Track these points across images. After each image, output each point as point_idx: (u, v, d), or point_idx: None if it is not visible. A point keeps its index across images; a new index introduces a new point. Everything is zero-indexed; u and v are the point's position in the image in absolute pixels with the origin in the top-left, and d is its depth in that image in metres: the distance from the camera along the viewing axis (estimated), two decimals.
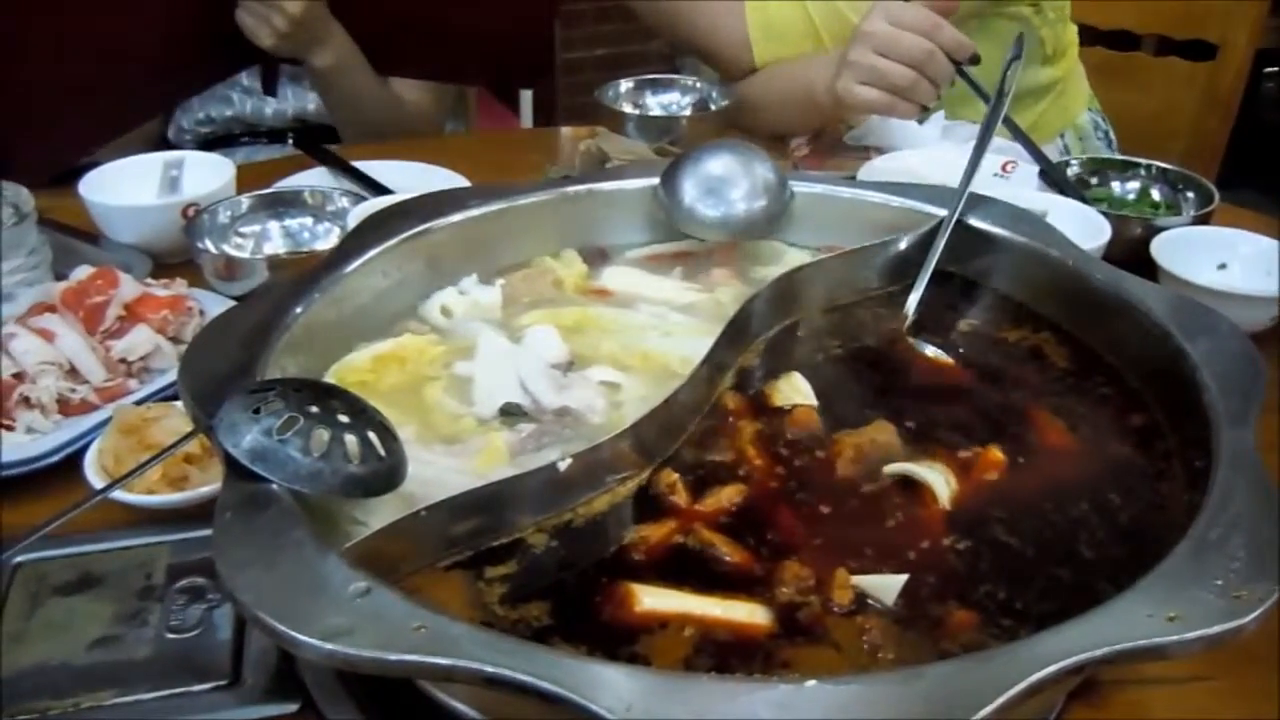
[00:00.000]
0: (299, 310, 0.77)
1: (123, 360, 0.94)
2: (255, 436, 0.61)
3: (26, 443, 0.88)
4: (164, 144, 1.76)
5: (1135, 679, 0.74)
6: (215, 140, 1.76)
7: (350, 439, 0.64)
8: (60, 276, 1.05)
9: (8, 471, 0.86)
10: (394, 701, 0.69)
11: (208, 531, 0.82)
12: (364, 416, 0.67)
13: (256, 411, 0.62)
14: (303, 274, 0.83)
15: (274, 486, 0.61)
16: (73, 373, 0.92)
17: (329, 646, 0.50)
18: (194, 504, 0.83)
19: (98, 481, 0.83)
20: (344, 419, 0.65)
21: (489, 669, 0.49)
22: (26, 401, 0.90)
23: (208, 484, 0.83)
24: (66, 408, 0.91)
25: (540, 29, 1.72)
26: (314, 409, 0.64)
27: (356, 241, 0.86)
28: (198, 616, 0.76)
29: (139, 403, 0.92)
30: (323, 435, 0.63)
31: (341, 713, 0.70)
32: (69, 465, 0.87)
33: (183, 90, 1.67)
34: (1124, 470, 0.72)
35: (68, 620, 0.76)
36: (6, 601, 0.77)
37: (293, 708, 0.70)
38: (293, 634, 0.51)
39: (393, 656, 0.50)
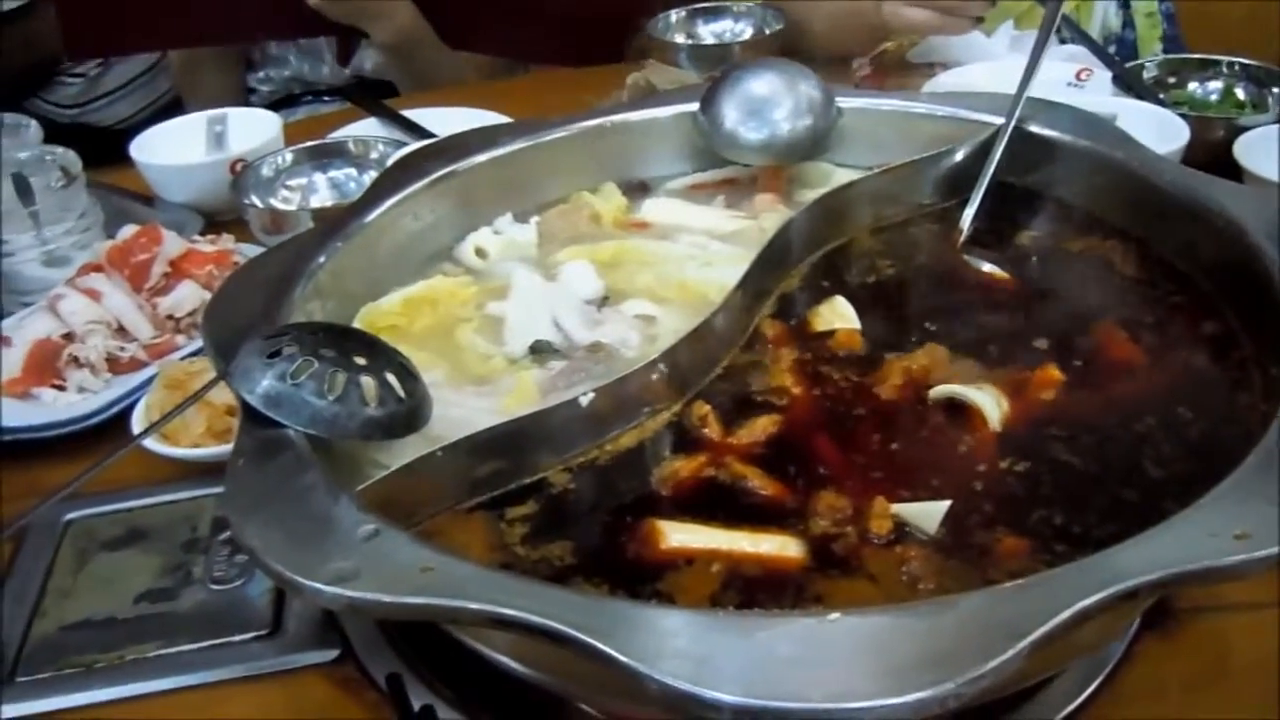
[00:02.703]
0: (323, 257, 0.76)
1: (170, 316, 0.95)
2: (269, 382, 0.60)
3: (78, 401, 0.89)
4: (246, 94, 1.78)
5: (1212, 605, 0.70)
6: (277, 101, 1.77)
7: (367, 381, 0.62)
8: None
9: (60, 430, 0.87)
10: (432, 649, 0.68)
11: None
12: (383, 358, 0.65)
13: (271, 357, 0.61)
14: (331, 219, 0.81)
15: (290, 432, 0.59)
16: (121, 331, 0.93)
17: (333, 590, 0.49)
18: None
19: (148, 437, 0.83)
20: (361, 361, 0.63)
21: (494, 610, 0.47)
22: (76, 361, 0.90)
23: None
24: (116, 365, 0.92)
25: (640, 14, 1.62)
26: (330, 352, 0.63)
27: (387, 183, 0.84)
28: (240, 568, 0.76)
29: (186, 358, 0.92)
30: (339, 378, 0.62)
31: (380, 660, 0.69)
32: (122, 422, 0.88)
33: (251, 33, 1.67)
34: (1195, 381, 0.67)
35: (114, 575, 0.77)
36: (57, 558, 0.78)
37: (332, 655, 0.70)
38: (297, 579, 0.50)
39: (398, 599, 0.48)
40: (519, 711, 0.65)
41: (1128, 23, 1.63)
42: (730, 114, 0.91)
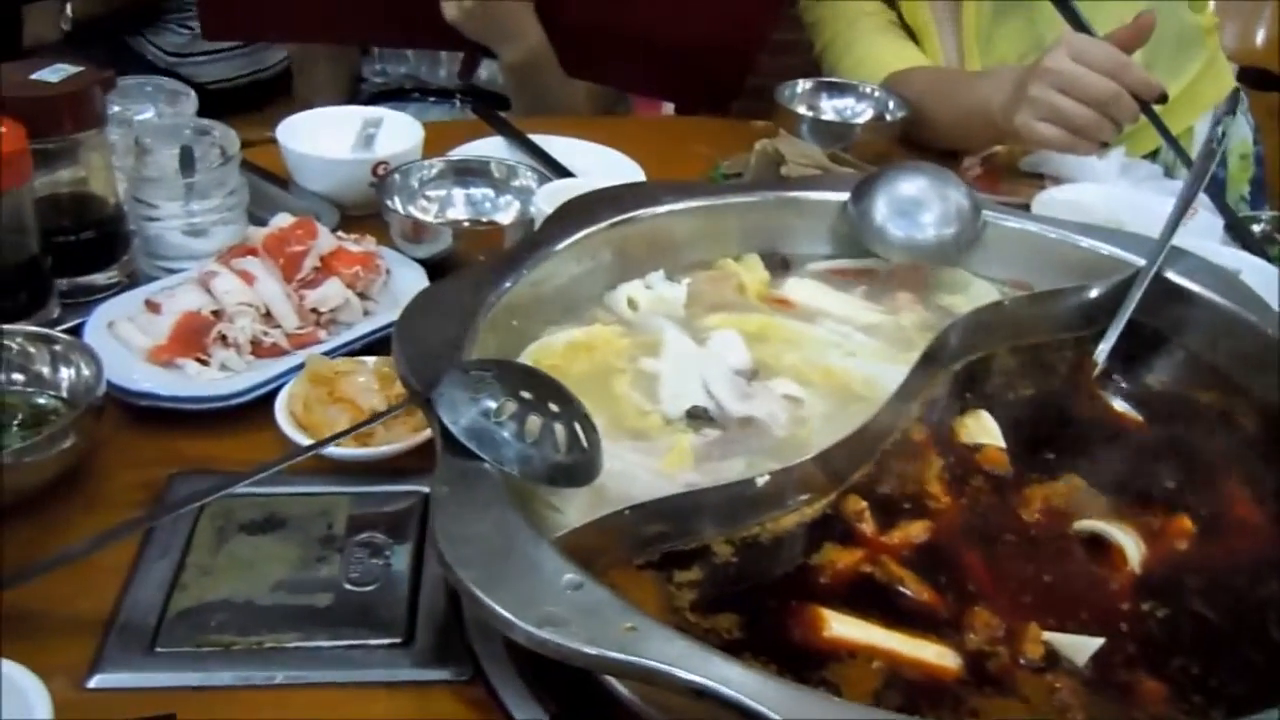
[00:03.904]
0: (502, 288, 0.80)
1: (314, 310, 0.98)
2: (474, 417, 0.64)
3: (221, 379, 0.92)
4: (357, 83, 1.82)
5: None
6: (387, 93, 1.81)
7: (559, 428, 0.66)
8: (254, 218, 1.09)
9: (206, 405, 0.90)
10: (560, 680, 0.71)
11: (388, 487, 0.86)
12: (571, 406, 0.68)
13: (475, 392, 0.65)
14: (505, 253, 0.85)
15: (486, 466, 0.63)
16: (267, 316, 0.96)
17: (544, 635, 0.52)
18: (377, 460, 0.86)
19: (288, 426, 0.86)
20: (554, 408, 0.67)
21: (704, 683, 0.50)
22: (224, 339, 0.93)
23: (390, 442, 0.86)
24: (259, 350, 0.95)
25: (747, 58, 1.68)
26: (527, 395, 0.66)
27: (557, 225, 0.88)
28: (376, 571, 0.78)
29: (328, 354, 0.95)
30: (535, 422, 0.65)
31: (507, 684, 0.72)
32: (258, 405, 0.91)
33: (388, 37, 1.71)
34: None
35: (253, 559, 0.79)
36: (196, 533, 0.81)
37: (466, 674, 0.72)
38: (511, 618, 0.53)
39: (608, 654, 0.52)
40: None
41: (1221, 162, 1.69)
42: (881, 209, 0.96)
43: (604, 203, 0.91)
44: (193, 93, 1.21)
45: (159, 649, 0.72)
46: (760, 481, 0.67)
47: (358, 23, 1.61)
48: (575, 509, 0.67)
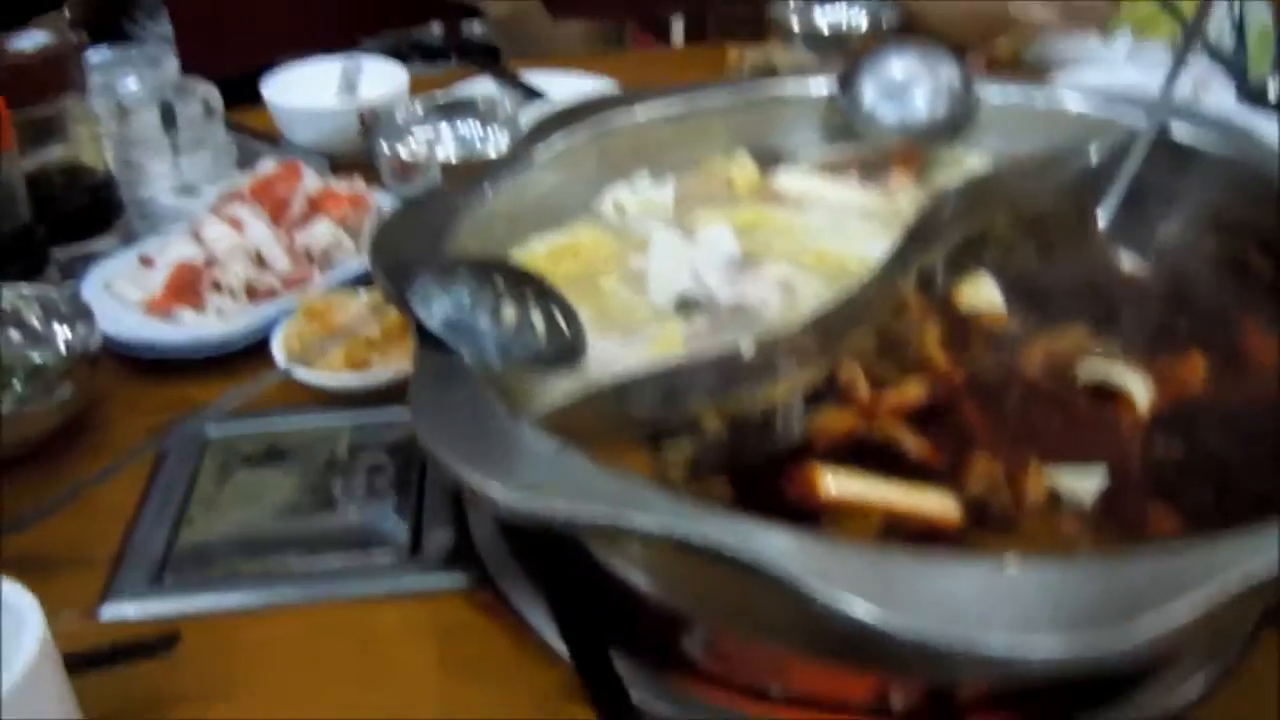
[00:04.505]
0: (481, 199, 0.78)
1: (306, 251, 0.97)
2: (448, 309, 0.62)
3: (217, 324, 0.92)
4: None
5: None
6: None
7: (537, 316, 0.65)
8: None
9: (206, 351, 0.90)
10: (568, 578, 0.70)
11: (388, 414, 0.86)
12: (549, 296, 0.67)
13: (448, 284, 0.64)
14: (485, 167, 0.84)
15: (463, 358, 0.62)
16: (259, 261, 0.96)
17: (526, 500, 0.51)
18: (375, 387, 0.85)
19: (285, 362, 0.86)
20: (532, 298, 0.66)
21: (687, 532, 0.49)
22: (216, 286, 0.93)
23: (388, 368, 0.86)
24: (253, 293, 0.95)
25: None
26: (503, 286, 0.65)
27: (538, 136, 0.86)
28: (379, 492, 0.78)
29: (325, 291, 0.94)
30: (512, 311, 0.64)
31: (516, 587, 0.71)
32: (255, 348, 0.91)
33: (364, 30, 1.70)
34: None
35: (257, 489, 0.79)
36: (200, 471, 0.81)
37: (472, 580, 0.72)
38: (493, 485, 0.52)
39: (591, 511, 0.50)
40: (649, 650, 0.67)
41: (1240, 42, 1.63)
42: (869, 93, 0.93)
43: (583, 112, 0.89)
44: (174, 56, 1.21)
45: (167, 579, 0.72)
46: (747, 350, 0.66)
47: (339, 27, 1.59)
48: (562, 398, 0.65)
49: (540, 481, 0.52)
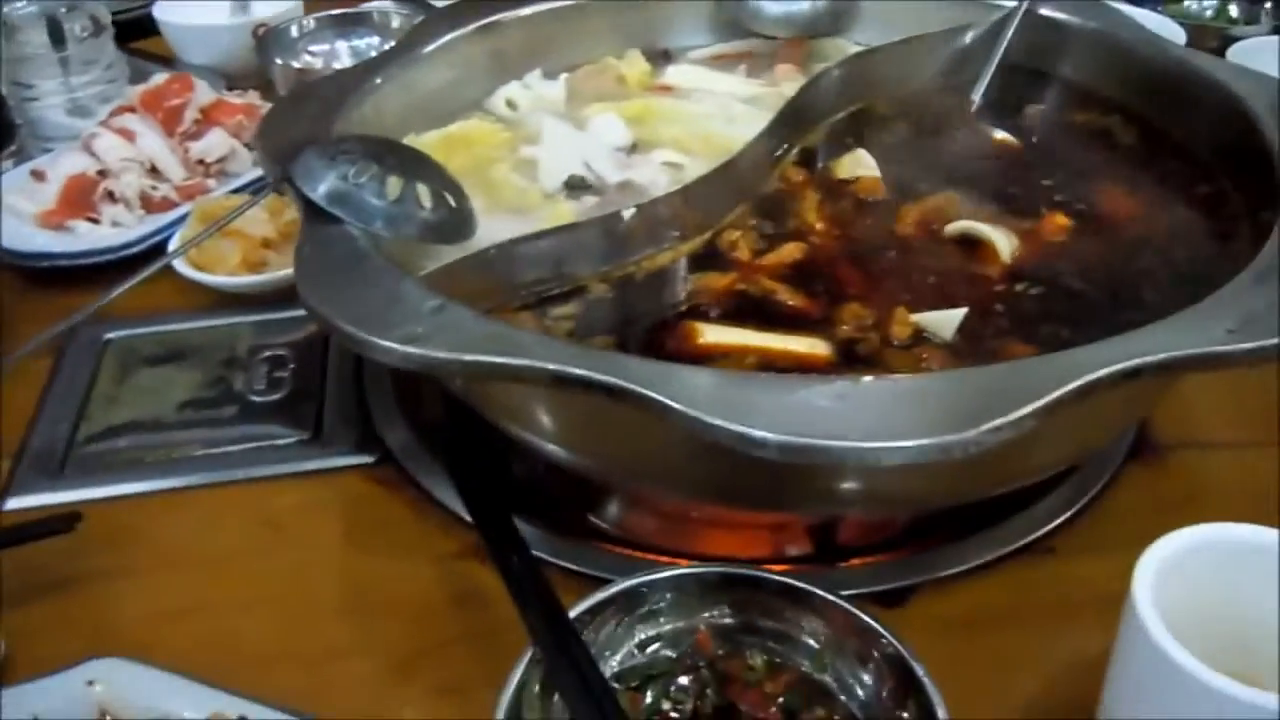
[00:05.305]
0: (369, 88, 0.79)
1: (200, 161, 0.97)
2: (332, 181, 0.63)
3: (113, 234, 0.92)
4: None
5: (1194, 442, 0.75)
6: None
7: (422, 187, 0.66)
8: None
9: (97, 258, 0.90)
10: (469, 452, 0.72)
11: (287, 313, 0.86)
12: (434, 171, 0.69)
13: (333, 158, 0.64)
14: (372, 59, 0.84)
15: (349, 229, 0.63)
16: (153, 172, 0.96)
17: (406, 349, 0.53)
18: (272, 287, 0.86)
19: (181, 265, 0.86)
20: (417, 171, 0.67)
21: (561, 368, 0.51)
22: (111, 196, 0.93)
23: (285, 268, 0.86)
24: (149, 204, 0.94)
25: None
26: (389, 160, 0.66)
27: (425, 31, 0.87)
28: (280, 382, 0.79)
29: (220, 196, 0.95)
30: (396, 182, 0.65)
31: (417, 463, 0.73)
32: (157, 256, 0.90)
33: None
34: (1190, 230, 0.72)
35: (158, 386, 0.80)
36: (99, 370, 0.81)
37: (372, 458, 0.73)
38: (371, 339, 0.53)
39: (468, 357, 0.52)
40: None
41: None
42: None
43: (472, 8, 0.90)
44: None
45: (69, 470, 0.73)
46: (627, 214, 0.68)
47: None
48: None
49: (422, 333, 0.53)
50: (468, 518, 0.67)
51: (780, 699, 0.53)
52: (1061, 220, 0.73)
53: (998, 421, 0.47)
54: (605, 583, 0.62)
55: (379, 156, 0.66)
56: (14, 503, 0.71)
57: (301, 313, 0.84)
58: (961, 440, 0.47)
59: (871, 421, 0.48)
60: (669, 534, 0.70)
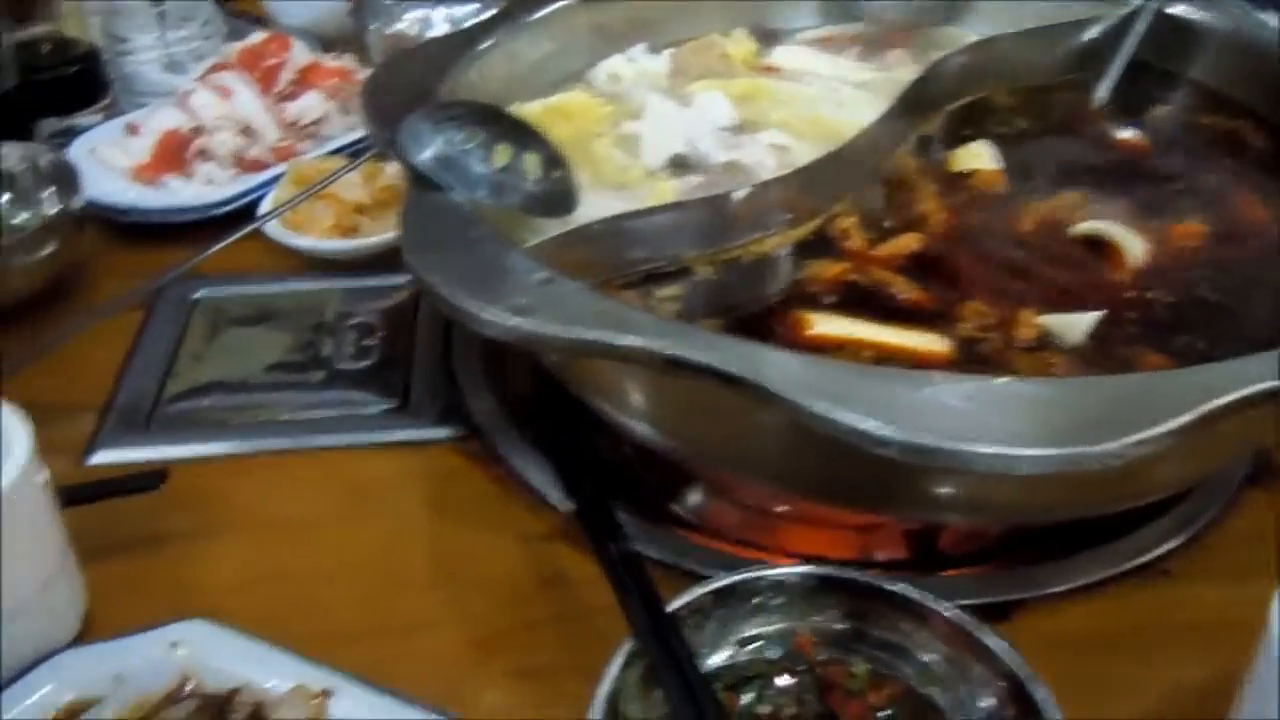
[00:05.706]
0: (473, 54, 0.77)
1: (295, 123, 0.96)
2: (439, 146, 0.62)
3: (206, 191, 0.91)
4: None
5: None
6: None
7: (529, 156, 0.64)
8: None
9: (190, 215, 0.89)
10: (565, 433, 0.70)
11: (377, 279, 0.85)
12: (541, 141, 0.67)
13: (440, 123, 0.63)
14: (475, 25, 0.83)
15: (455, 197, 0.61)
16: (247, 131, 0.95)
17: (514, 321, 0.51)
18: (365, 253, 0.85)
19: (273, 227, 0.85)
20: (524, 141, 0.65)
21: (675, 352, 0.49)
22: (204, 153, 0.92)
23: (378, 234, 0.85)
24: (242, 163, 0.94)
25: None
26: (496, 128, 0.64)
27: (528, 2, 0.85)
28: (368, 349, 0.78)
29: (315, 158, 0.93)
30: (504, 150, 0.63)
31: (505, 439, 0.72)
32: (249, 215, 0.90)
33: None
34: None
35: (246, 347, 0.79)
36: (188, 329, 0.81)
37: (461, 431, 0.72)
38: (478, 309, 0.51)
39: (576, 333, 0.50)
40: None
41: None
42: None
43: None
44: None
45: (154, 427, 0.72)
46: (736, 196, 0.65)
47: None
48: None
49: (530, 306, 0.51)
50: (554, 500, 0.65)
51: (884, 711, 0.51)
52: (1194, 226, 0.69)
53: (1142, 434, 0.44)
54: (685, 572, 0.60)
55: (486, 123, 0.64)
56: (99, 457, 0.70)
57: (391, 281, 0.84)
58: (1103, 452, 0.44)
59: (1004, 426, 0.45)
60: (753, 528, 0.67)
